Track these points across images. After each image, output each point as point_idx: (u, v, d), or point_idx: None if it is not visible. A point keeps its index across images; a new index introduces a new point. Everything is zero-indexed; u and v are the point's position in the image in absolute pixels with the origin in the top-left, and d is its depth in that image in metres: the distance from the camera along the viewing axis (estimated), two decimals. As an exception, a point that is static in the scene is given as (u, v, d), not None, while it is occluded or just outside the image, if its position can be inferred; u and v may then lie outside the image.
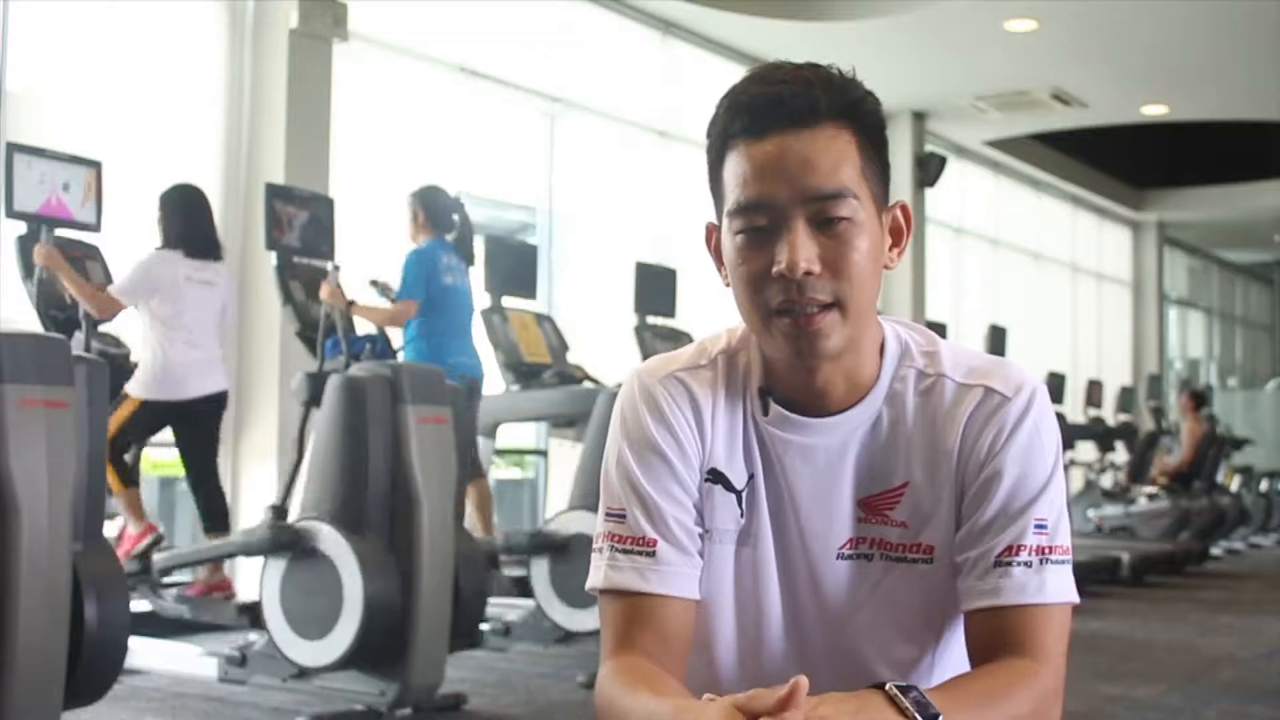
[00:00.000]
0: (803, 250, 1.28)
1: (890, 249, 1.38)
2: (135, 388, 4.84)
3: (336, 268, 4.88)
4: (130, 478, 4.95)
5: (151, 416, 4.91)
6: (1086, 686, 4.67)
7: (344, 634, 3.89)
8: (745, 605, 1.41)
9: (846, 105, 1.32)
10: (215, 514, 5.16)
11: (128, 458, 4.96)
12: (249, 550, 4.20)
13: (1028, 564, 1.32)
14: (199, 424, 5.10)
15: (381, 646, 3.93)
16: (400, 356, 5.21)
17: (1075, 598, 1.34)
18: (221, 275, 5.10)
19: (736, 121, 1.32)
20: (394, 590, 3.92)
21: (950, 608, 1.38)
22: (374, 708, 3.95)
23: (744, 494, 1.40)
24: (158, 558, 4.79)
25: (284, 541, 4.01)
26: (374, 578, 3.89)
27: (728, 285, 1.38)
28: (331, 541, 3.94)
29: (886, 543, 1.38)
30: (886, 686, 1.17)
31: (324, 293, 4.80)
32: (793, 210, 1.29)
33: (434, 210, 5.55)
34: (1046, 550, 1.33)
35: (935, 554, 1.37)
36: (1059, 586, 1.32)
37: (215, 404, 5.11)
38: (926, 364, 1.40)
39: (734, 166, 1.32)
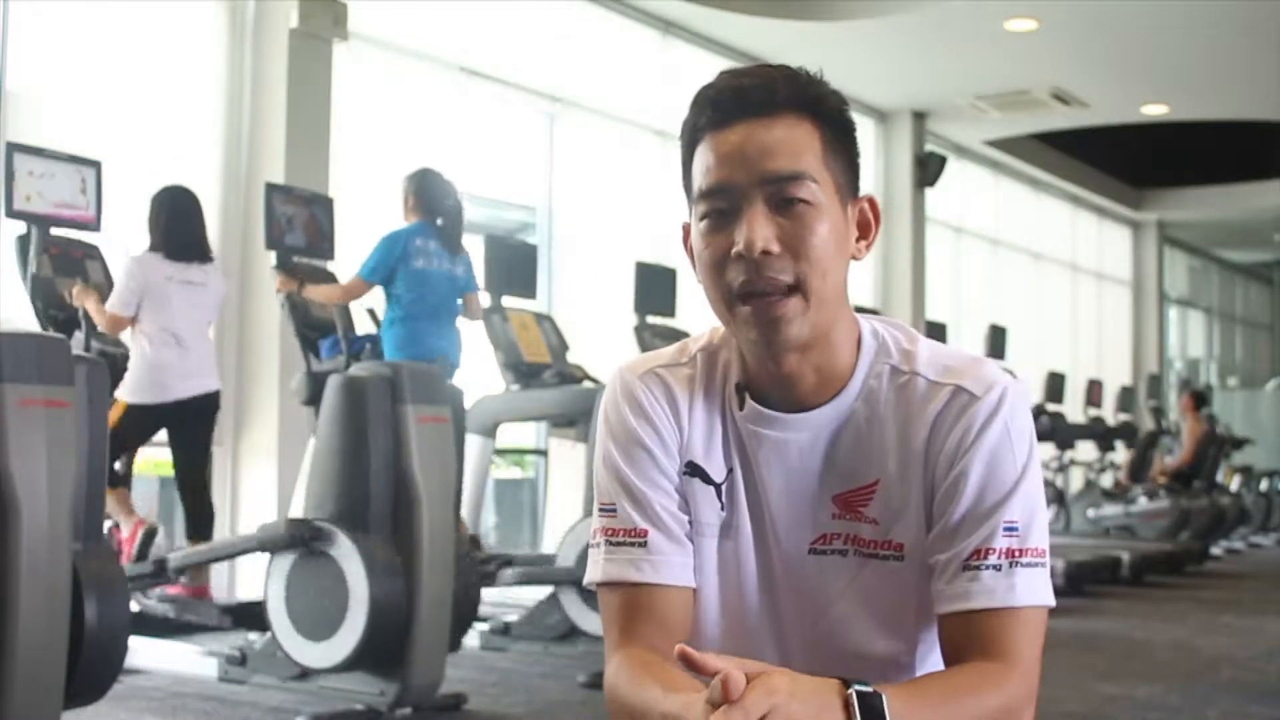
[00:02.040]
0: (760, 230, 1.31)
1: (857, 241, 1.39)
2: (122, 391, 4.81)
3: (277, 265, 5.01)
4: (114, 478, 4.84)
5: (140, 420, 4.85)
6: (1086, 686, 4.67)
7: (349, 635, 3.88)
8: (728, 598, 1.42)
9: (808, 99, 1.35)
10: (200, 520, 5.12)
11: (118, 465, 4.91)
12: (265, 546, 4.12)
13: (996, 567, 1.31)
14: (188, 427, 5.04)
15: (388, 648, 3.92)
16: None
17: (1049, 600, 1.33)
18: (211, 276, 5.06)
19: (702, 116, 1.36)
20: (399, 591, 3.91)
21: (926, 606, 1.38)
22: (374, 708, 3.95)
23: (723, 487, 1.42)
24: (173, 556, 4.73)
25: (300, 538, 3.98)
26: (380, 579, 3.88)
27: (700, 280, 1.39)
28: (337, 542, 3.93)
29: (859, 539, 1.39)
30: (850, 688, 1.15)
31: (277, 283, 4.89)
32: (751, 192, 1.32)
33: (425, 194, 5.52)
34: (1017, 553, 1.32)
35: (905, 551, 1.38)
36: (1030, 589, 1.32)
37: (205, 405, 5.04)
38: (902, 361, 1.41)
39: (700, 158, 1.37)
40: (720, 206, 1.34)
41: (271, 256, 5.09)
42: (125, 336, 4.92)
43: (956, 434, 1.35)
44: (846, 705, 1.14)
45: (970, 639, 1.31)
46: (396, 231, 5.41)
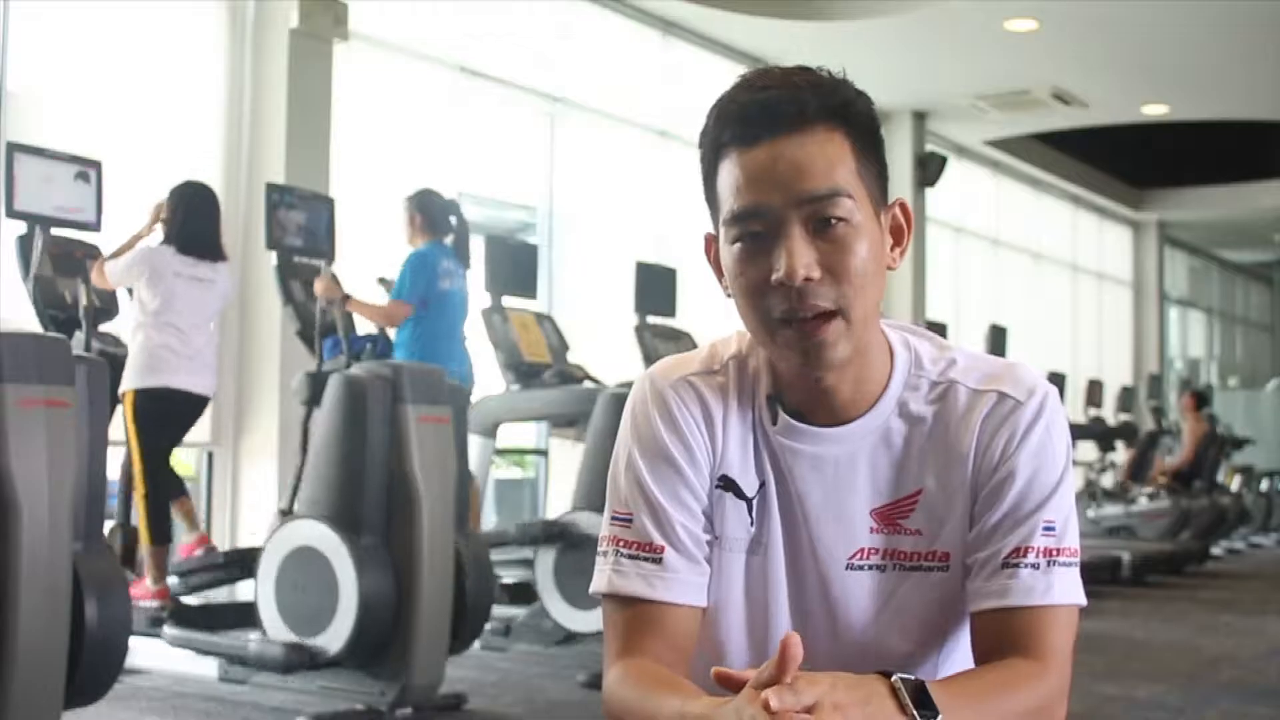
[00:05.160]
0: (801, 257, 1.27)
1: (892, 249, 1.36)
2: (126, 382, 4.78)
3: (329, 265, 4.95)
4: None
5: (152, 404, 4.79)
6: (1086, 686, 4.67)
7: (339, 631, 3.90)
8: (755, 614, 1.40)
9: (837, 107, 1.31)
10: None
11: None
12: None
13: (1035, 566, 1.31)
14: (173, 419, 4.99)
15: (377, 645, 3.94)
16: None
17: (1082, 600, 1.34)
18: (221, 275, 5.04)
19: (726, 131, 1.31)
20: (389, 588, 3.92)
21: (960, 612, 1.37)
22: (374, 707, 3.95)
23: (755, 502, 1.39)
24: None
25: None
26: (369, 575, 3.90)
27: (729, 296, 1.36)
28: (327, 540, 3.94)
29: (900, 552, 1.37)
30: (893, 678, 1.16)
31: (319, 287, 4.85)
32: (788, 215, 1.28)
33: (430, 213, 5.55)
34: (1054, 552, 1.32)
35: (951, 560, 1.37)
36: (1066, 588, 1.32)
37: (195, 405, 4.98)
38: (938, 372, 1.39)
39: (727, 176, 1.31)
40: (755, 230, 1.29)
41: (272, 256, 5.09)
42: (127, 333, 4.89)
43: (1002, 438, 1.35)
44: (894, 693, 1.15)
45: (1006, 636, 1.31)
46: (422, 252, 5.44)
